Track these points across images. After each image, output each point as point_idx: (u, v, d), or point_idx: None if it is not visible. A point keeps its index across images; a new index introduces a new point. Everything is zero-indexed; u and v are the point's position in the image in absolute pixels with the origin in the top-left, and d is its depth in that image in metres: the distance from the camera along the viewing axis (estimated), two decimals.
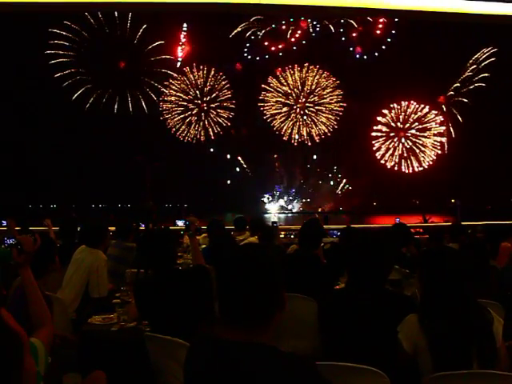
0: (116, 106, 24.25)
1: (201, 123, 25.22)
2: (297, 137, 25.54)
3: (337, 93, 25.10)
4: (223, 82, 25.19)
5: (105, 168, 21.58)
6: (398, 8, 7.57)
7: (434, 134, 24.97)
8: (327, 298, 2.72)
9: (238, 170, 26.30)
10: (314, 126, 25.30)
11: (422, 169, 24.97)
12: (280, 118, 25.46)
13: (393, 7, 7.46)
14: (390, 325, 2.39)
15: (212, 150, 25.49)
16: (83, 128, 22.52)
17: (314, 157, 26.64)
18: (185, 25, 24.37)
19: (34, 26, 18.79)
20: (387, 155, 25.25)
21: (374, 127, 25.36)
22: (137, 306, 3.22)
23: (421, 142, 25.19)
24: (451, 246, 4.29)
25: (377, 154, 25.17)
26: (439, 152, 24.75)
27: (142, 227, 9.92)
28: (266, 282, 1.53)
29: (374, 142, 25.21)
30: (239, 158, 26.14)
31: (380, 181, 24.37)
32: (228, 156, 26.08)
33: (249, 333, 1.50)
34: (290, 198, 27.70)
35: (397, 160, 25.18)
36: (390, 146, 25.32)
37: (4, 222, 6.82)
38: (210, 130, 25.28)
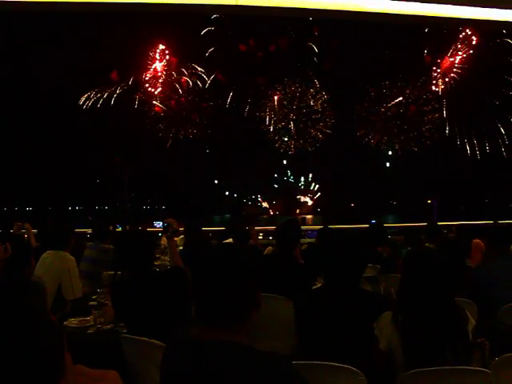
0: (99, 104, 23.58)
1: None
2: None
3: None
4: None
5: (82, 169, 21.21)
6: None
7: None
8: (303, 297, 2.74)
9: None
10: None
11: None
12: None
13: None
14: (365, 323, 2.43)
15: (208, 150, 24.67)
16: (59, 127, 22.09)
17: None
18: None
19: None
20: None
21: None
22: (113, 308, 3.20)
23: None
24: (429, 247, 4.37)
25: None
26: None
27: (119, 229, 9.84)
28: (239, 281, 1.54)
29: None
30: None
31: (357, 182, 24.48)
32: (216, 181, 25.71)
33: (225, 332, 1.50)
34: (272, 200, 27.72)
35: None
36: None
37: None
38: None
